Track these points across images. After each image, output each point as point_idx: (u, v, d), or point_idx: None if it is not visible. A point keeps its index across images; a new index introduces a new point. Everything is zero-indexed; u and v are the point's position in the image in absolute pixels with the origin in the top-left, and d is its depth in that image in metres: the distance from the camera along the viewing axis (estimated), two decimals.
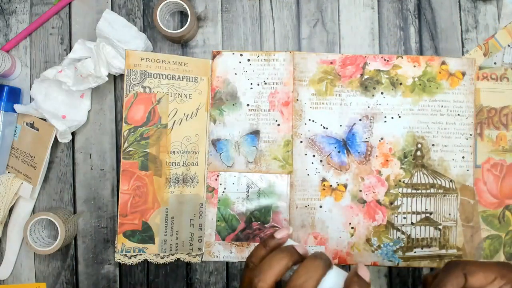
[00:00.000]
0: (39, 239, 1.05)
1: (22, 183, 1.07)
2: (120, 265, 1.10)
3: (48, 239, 1.08)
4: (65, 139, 1.07)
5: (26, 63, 1.12)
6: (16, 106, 1.06)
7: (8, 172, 1.09)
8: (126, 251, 1.06)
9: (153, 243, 1.07)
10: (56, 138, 1.07)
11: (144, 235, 1.07)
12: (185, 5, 1.03)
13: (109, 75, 1.05)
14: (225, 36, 1.12)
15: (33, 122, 1.07)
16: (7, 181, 1.06)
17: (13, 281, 1.10)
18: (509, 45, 1.10)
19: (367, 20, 1.11)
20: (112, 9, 1.11)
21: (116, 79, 1.11)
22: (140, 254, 1.07)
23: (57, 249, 1.01)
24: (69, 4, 1.12)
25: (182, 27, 1.07)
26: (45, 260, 1.10)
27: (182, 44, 1.11)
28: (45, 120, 1.06)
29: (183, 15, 1.11)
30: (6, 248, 1.09)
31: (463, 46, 1.11)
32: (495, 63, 1.10)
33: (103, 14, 1.03)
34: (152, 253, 1.07)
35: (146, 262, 1.09)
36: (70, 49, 1.08)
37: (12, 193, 1.06)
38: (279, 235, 0.85)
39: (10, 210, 1.09)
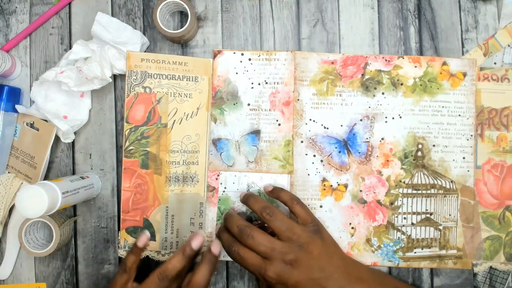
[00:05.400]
0: (34, 241, 1.05)
1: (22, 183, 1.07)
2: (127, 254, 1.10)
3: (42, 241, 1.08)
4: (68, 139, 1.08)
5: (26, 63, 1.12)
6: (18, 107, 1.06)
7: (8, 172, 1.09)
8: (128, 247, 1.07)
9: (155, 240, 1.08)
10: (56, 138, 1.07)
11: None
12: (185, 5, 1.03)
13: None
14: (225, 36, 1.11)
15: (33, 122, 1.07)
16: (7, 181, 1.06)
17: (13, 281, 1.10)
18: (509, 45, 1.10)
19: (367, 20, 1.11)
20: (112, 9, 1.11)
21: (116, 79, 1.11)
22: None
23: (50, 252, 1.02)
24: (69, 4, 1.12)
25: (182, 27, 1.07)
26: (45, 260, 1.10)
27: (182, 44, 1.11)
28: (45, 120, 1.06)
29: (183, 15, 1.11)
30: (6, 248, 1.09)
31: (463, 46, 1.11)
32: (495, 63, 1.10)
33: (95, 18, 1.03)
34: (154, 250, 1.08)
35: (146, 262, 1.08)
36: (70, 49, 1.08)
37: (12, 193, 1.06)
38: (195, 244, 0.95)
39: (10, 210, 1.09)
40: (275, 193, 1.03)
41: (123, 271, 0.96)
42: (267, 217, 0.95)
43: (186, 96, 1.08)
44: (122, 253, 1.07)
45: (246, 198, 1.01)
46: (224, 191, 1.09)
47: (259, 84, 1.09)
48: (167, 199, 1.08)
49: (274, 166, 1.08)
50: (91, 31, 1.04)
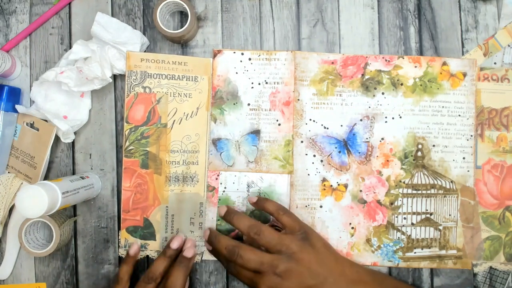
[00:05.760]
0: (34, 241, 1.05)
1: (22, 183, 1.07)
2: (120, 265, 1.10)
3: (42, 241, 1.08)
4: (68, 139, 1.08)
5: (26, 63, 1.12)
6: (18, 107, 1.06)
7: (8, 172, 1.09)
8: (128, 246, 1.07)
9: (155, 239, 1.08)
10: (56, 138, 1.07)
11: (146, 231, 1.08)
12: (185, 5, 1.03)
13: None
14: (225, 36, 1.11)
15: (33, 122, 1.07)
16: (7, 181, 1.06)
17: (13, 281, 1.10)
18: (509, 45, 1.10)
19: (367, 20, 1.11)
20: (112, 9, 1.11)
21: (116, 79, 1.11)
22: (142, 250, 1.08)
23: (50, 252, 1.02)
24: (69, 4, 1.12)
25: (182, 27, 1.07)
26: (45, 260, 1.10)
27: (182, 44, 1.11)
28: (45, 120, 1.06)
29: (183, 15, 1.11)
30: (6, 248, 1.09)
31: (463, 46, 1.10)
32: (495, 63, 1.10)
33: (95, 18, 1.03)
34: (154, 249, 1.08)
35: (146, 262, 1.09)
36: (70, 49, 1.07)
37: (12, 193, 1.06)
38: (174, 245, 1.01)
39: (10, 210, 1.08)
40: (259, 204, 1.04)
41: (116, 282, 1.00)
42: (255, 236, 0.96)
43: (186, 96, 1.08)
44: (122, 252, 1.08)
45: (230, 218, 1.01)
46: (224, 191, 1.09)
47: (259, 84, 1.09)
48: (167, 199, 1.08)
49: (274, 166, 1.08)
50: (90, 31, 1.04)
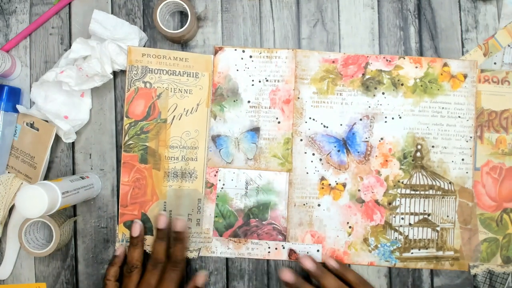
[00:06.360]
0: (34, 241, 1.05)
1: (22, 183, 1.08)
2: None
3: (42, 241, 1.08)
4: (70, 138, 1.08)
5: (26, 63, 1.12)
6: (19, 107, 1.06)
7: (8, 172, 1.09)
8: (126, 241, 1.08)
9: (152, 234, 1.08)
10: (56, 138, 1.07)
11: (144, 226, 1.08)
12: (185, 5, 1.03)
13: None
14: (225, 36, 1.12)
15: (33, 122, 1.07)
16: (7, 181, 1.06)
17: (13, 281, 1.10)
18: (509, 45, 1.10)
19: (367, 20, 1.11)
20: (112, 9, 1.12)
21: (116, 79, 1.11)
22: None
23: (50, 252, 1.02)
24: (69, 4, 1.12)
25: (182, 27, 1.07)
26: (45, 260, 1.10)
27: (182, 44, 1.11)
28: (46, 120, 1.06)
29: (183, 15, 1.11)
30: (6, 248, 1.09)
31: (463, 46, 1.11)
32: (495, 63, 1.10)
33: (92, 16, 1.03)
34: (151, 244, 1.08)
35: (145, 260, 1.08)
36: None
37: (12, 193, 1.06)
38: (133, 233, 1.06)
39: (10, 210, 1.08)
40: (340, 271, 1.05)
41: (104, 285, 1.04)
42: None
43: (186, 92, 1.08)
44: (118, 246, 1.08)
45: (319, 276, 1.02)
46: (222, 188, 1.09)
47: (259, 81, 1.09)
48: (165, 194, 1.08)
49: (273, 164, 1.09)
50: (88, 29, 1.04)
